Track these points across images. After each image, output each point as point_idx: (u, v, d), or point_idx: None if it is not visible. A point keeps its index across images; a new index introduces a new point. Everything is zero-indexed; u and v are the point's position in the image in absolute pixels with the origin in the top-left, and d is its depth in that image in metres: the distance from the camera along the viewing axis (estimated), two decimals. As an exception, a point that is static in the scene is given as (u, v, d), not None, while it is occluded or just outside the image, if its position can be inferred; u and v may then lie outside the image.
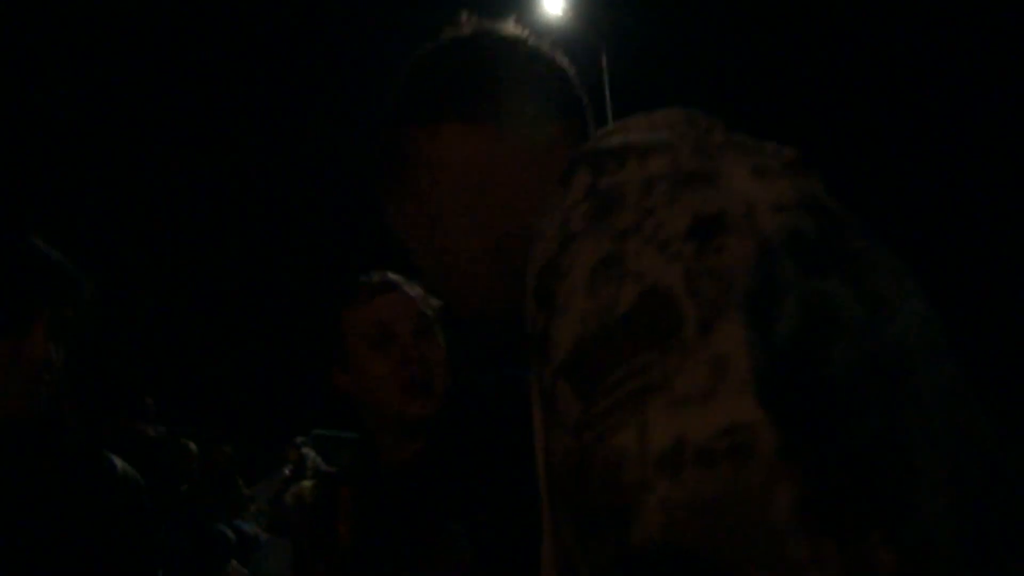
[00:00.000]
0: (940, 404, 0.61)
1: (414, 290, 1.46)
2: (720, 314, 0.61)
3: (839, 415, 0.58)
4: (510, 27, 0.88)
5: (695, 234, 0.63)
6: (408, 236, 0.88)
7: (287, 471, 4.60)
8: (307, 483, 3.50)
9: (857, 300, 0.61)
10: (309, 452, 4.71)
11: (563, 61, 0.90)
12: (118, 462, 1.25)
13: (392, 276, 1.49)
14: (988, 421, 0.62)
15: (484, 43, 0.88)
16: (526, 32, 0.88)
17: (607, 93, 6.25)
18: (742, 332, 0.60)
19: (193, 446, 3.26)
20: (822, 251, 0.65)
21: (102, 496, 1.17)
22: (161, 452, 2.74)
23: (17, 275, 1.08)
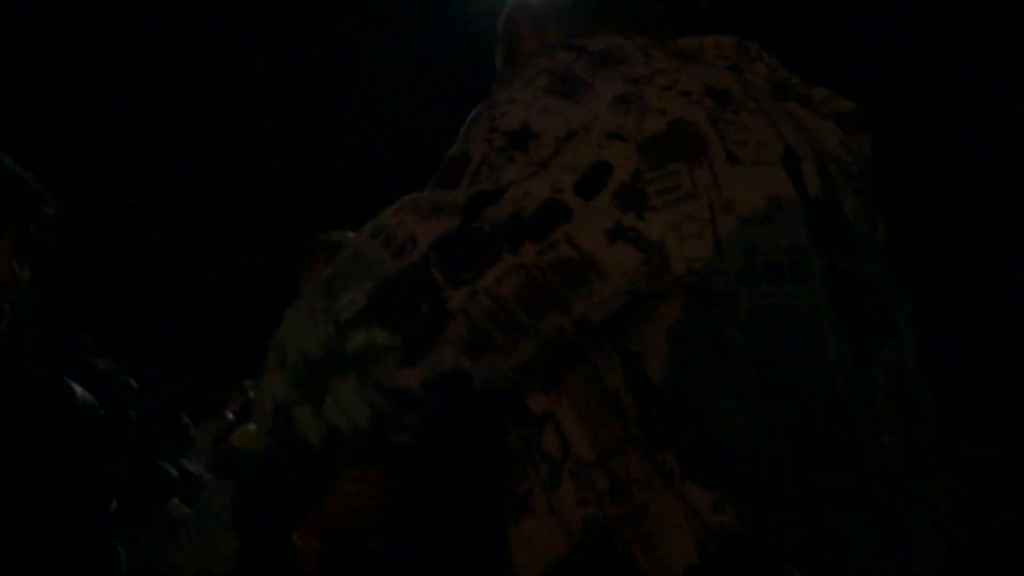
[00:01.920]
0: None
1: None
2: (745, 154, 0.70)
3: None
4: None
5: (711, 94, 0.74)
6: None
7: (230, 414, 4.58)
8: (252, 427, 3.49)
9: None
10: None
11: None
12: (77, 388, 1.24)
13: (351, 235, 1.51)
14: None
15: None
16: None
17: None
18: (779, 172, 0.69)
19: (133, 382, 3.24)
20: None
21: (61, 420, 1.16)
22: (110, 384, 2.71)
23: None
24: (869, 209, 0.82)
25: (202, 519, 3.15)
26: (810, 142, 0.78)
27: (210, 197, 6.17)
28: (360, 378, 0.71)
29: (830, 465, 0.67)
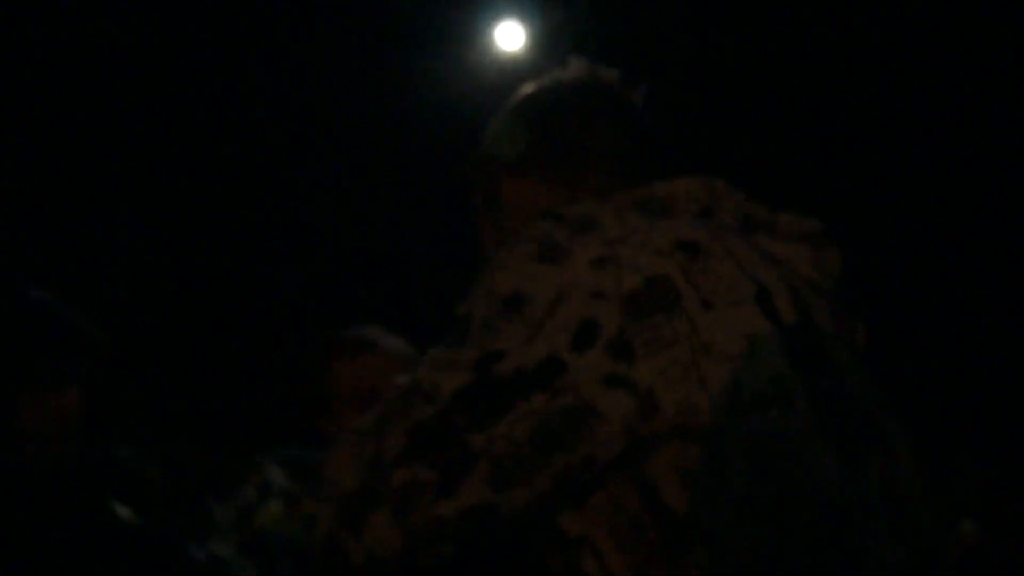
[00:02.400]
0: None
1: (395, 345, 1.54)
2: (717, 299, 0.80)
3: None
4: (610, 78, 1.02)
5: (681, 247, 0.81)
6: (489, 250, 1.05)
7: (251, 491, 4.57)
8: (276, 506, 3.51)
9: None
10: (273, 471, 4.70)
11: (639, 113, 1.04)
12: (121, 511, 1.31)
13: (372, 332, 1.57)
14: None
15: (573, 103, 1.02)
16: (618, 84, 1.01)
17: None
18: (752, 309, 0.79)
19: (156, 471, 3.26)
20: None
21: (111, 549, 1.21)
22: (136, 477, 2.74)
23: (56, 336, 1.14)
24: (845, 321, 0.91)
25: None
26: (780, 272, 0.87)
27: (230, 269, 6.22)
28: (396, 510, 0.83)
29: (837, 572, 0.73)
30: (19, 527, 1.14)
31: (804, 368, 0.84)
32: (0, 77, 5.08)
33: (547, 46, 5.88)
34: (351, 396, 1.54)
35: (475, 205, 1.12)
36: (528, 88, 1.08)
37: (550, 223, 0.90)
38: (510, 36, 6.18)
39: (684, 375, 0.80)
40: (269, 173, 5.92)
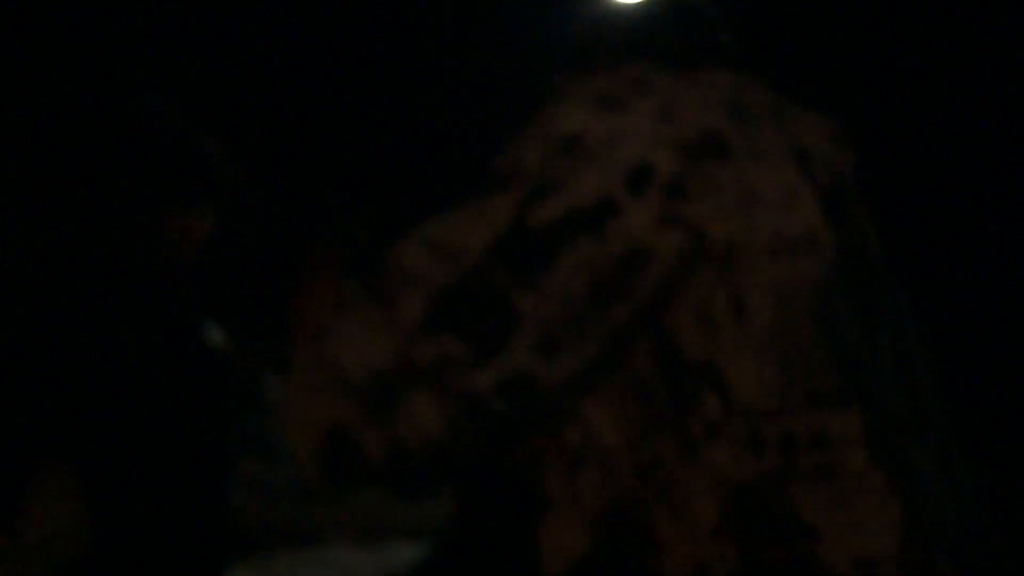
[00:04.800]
0: None
1: None
2: (763, 153, 0.84)
3: None
4: None
5: (730, 107, 0.86)
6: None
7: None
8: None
9: None
10: None
11: None
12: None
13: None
14: None
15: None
16: None
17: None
18: (793, 167, 0.85)
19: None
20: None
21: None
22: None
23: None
24: (864, 204, 0.96)
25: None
26: (812, 146, 0.92)
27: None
28: (432, 389, 0.72)
29: (840, 411, 0.79)
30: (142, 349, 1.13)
31: (834, 225, 0.86)
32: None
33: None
34: None
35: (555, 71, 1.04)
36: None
37: (607, 77, 0.90)
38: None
39: (733, 216, 0.80)
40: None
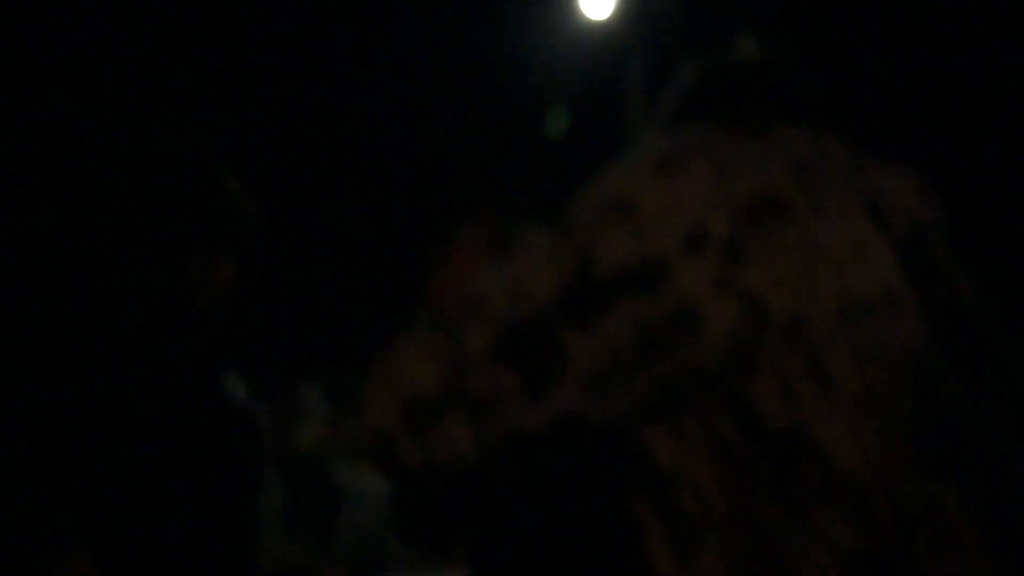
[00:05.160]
0: None
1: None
2: (830, 212, 0.81)
3: None
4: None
5: (794, 162, 0.84)
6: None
7: (289, 409, 4.60)
8: (312, 431, 3.58)
9: None
10: (312, 394, 4.71)
11: None
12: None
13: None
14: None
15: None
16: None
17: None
18: (863, 219, 0.82)
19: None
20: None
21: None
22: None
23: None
24: (954, 253, 0.90)
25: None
26: (891, 194, 0.88)
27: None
28: (475, 416, 0.78)
29: (949, 479, 0.75)
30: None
31: (915, 279, 0.82)
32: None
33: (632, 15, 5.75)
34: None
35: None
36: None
37: (666, 140, 0.90)
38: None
39: (794, 281, 0.78)
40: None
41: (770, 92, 0.98)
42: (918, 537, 0.75)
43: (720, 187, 0.81)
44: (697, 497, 0.77)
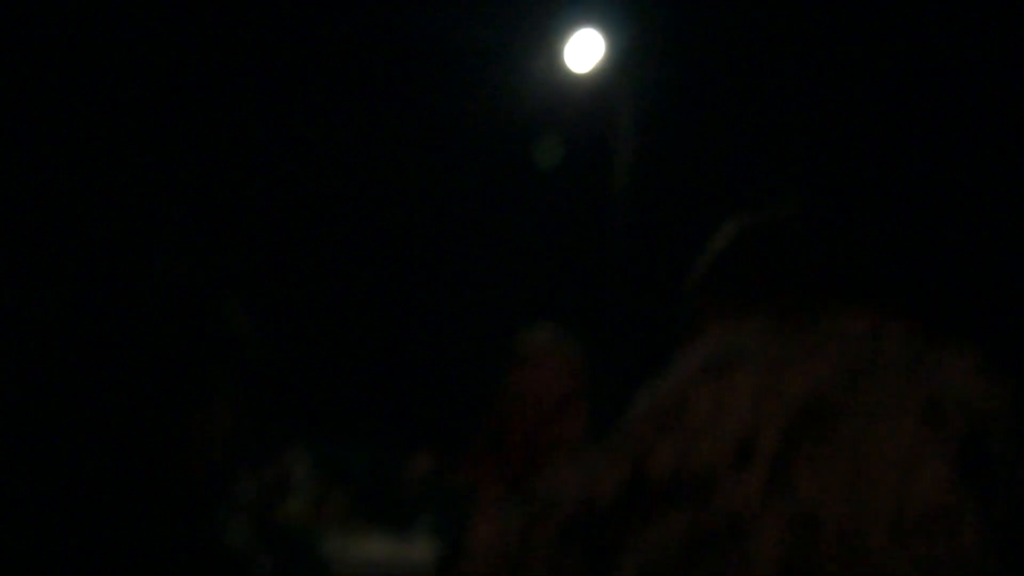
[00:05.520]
0: None
1: (566, 352, 1.55)
2: (882, 412, 0.78)
3: None
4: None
5: (844, 364, 0.83)
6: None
7: (275, 479, 4.54)
8: (299, 503, 3.49)
9: None
10: (301, 463, 4.66)
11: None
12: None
13: (546, 336, 1.57)
14: None
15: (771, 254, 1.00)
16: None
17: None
18: (918, 423, 0.78)
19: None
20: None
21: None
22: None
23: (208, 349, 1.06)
24: (1018, 448, 0.85)
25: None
26: (950, 389, 0.82)
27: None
28: None
29: None
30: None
31: (975, 488, 0.77)
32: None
33: (617, 71, 5.84)
34: (520, 401, 1.57)
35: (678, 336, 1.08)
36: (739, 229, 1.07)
37: (716, 338, 0.90)
38: (583, 54, 6.13)
39: (845, 493, 0.75)
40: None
41: (823, 275, 0.97)
42: None
43: (769, 392, 0.80)
44: None
